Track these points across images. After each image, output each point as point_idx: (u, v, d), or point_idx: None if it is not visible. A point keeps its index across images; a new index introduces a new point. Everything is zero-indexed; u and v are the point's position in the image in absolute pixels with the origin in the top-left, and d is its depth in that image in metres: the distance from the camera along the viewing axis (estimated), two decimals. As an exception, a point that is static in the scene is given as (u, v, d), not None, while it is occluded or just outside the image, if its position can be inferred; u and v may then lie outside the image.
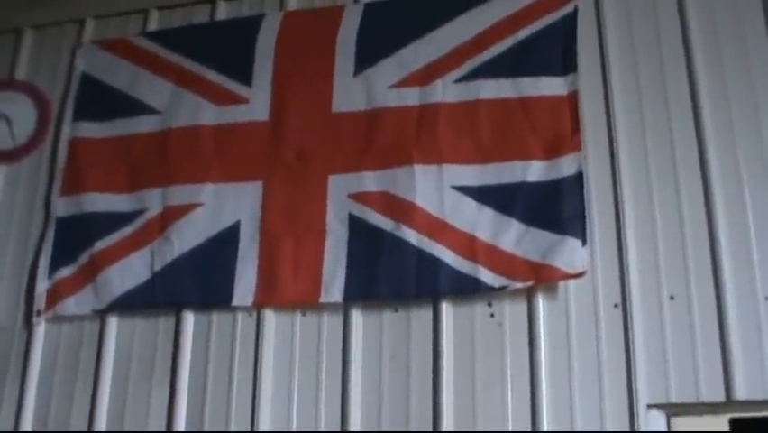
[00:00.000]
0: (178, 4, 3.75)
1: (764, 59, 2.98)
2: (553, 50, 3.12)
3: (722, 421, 2.68)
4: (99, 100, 3.65)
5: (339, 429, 2.90)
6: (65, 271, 3.38)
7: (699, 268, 2.79)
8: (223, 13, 3.69)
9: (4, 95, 3.80)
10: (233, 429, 3.01)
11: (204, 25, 3.68)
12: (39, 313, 3.35)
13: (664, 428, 2.71)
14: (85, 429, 3.17)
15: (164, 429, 3.08)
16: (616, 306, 2.81)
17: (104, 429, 3.16)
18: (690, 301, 2.76)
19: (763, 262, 2.74)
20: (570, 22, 3.14)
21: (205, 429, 3.05)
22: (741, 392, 2.61)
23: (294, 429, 2.95)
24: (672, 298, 2.78)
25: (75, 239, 3.42)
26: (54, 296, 3.36)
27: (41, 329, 3.36)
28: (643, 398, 2.68)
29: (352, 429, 2.89)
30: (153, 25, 3.76)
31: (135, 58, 3.66)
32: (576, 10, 3.16)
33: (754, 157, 2.88)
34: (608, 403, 2.70)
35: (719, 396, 2.63)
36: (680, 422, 2.72)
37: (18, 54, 3.89)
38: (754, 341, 2.66)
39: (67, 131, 3.64)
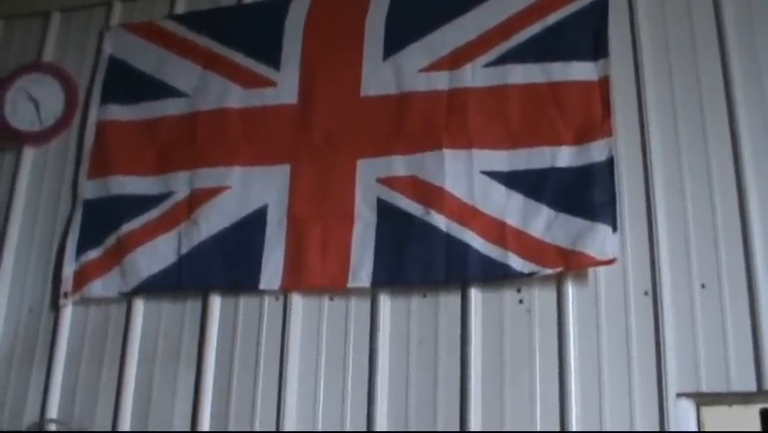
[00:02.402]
0: (206, -13, 3.78)
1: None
2: (584, 35, 3.09)
3: (753, 411, 2.66)
4: (127, 83, 3.66)
5: (365, 414, 2.91)
6: (92, 254, 3.40)
7: (731, 256, 2.75)
8: (251, -5, 3.69)
9: (32, 77, 3.81)
10: (258, 414, 3.02)
11: (231, 8, 3.68)
12: (66, 295, 3.38)
13: (694, 418, 2.68)
14: (111, 412, 3.20)
15: (190, 413, 3.10)
16: (646, 293, 2.79)
17: (129, 412, 3.18)
18: (721, 290, 2.73)
19: (795, 251, 2.73)
20: (601, 6, 3.10)
21: (231, 414, 3.05)
22: (772, 382, 2.59)
23: (320, 414, 2.97)
24: (703, 286, 2.75)
25: (102, 222, 3.44)
26: (81, 278, 3.38)
27: (67, 312, 3.39)
28: (672, 387, 2.66)
29: (378, 415, 2.89)
30: (180, 8, 3.76)
31: (163, 41, 3.66)
32: (608, -7, 3.13)
33: (788, 144, 2.87)
34: (637, 392, 2.69)
35: (750, 386, 2.61)
36: (710, 412, 2.69)
37: (45, 37, 3.91)
38: (787, 330, 2.64)
39: (94, 114, 3.65)
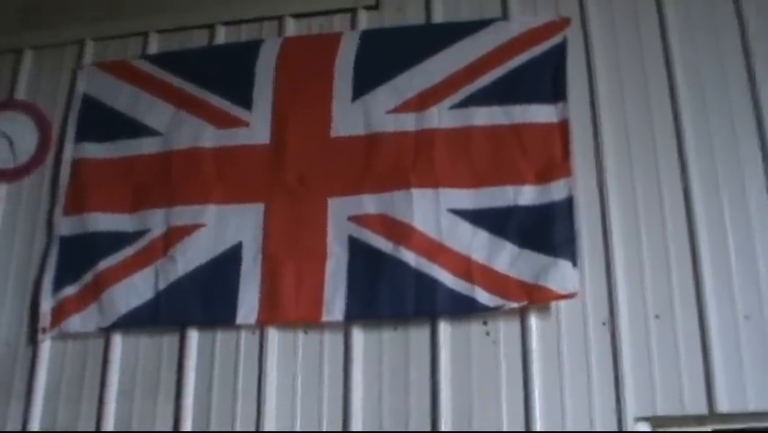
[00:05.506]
0: (178, 28, 3.78)
1: (743, 91, 3.12)
2: (544, 79, 3.20)
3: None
4: (101, 121, 3.65)
5: (341, 444, 2.97)
6: (69, 290, 3.39)
7: (683, 288, 2.89)
8: (221, 37, 3.72)
9: (5, 114, 3.80)
10: (237, 445, 3.06)
11: (203, 49, 3.70)
12: (44, 331, 3.36)
13: (651, 439, 2.81)
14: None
15: (169, 447, 3.13)
16: (604, 324, 2.91)
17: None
18: (674, 320, 2.86)
19: (742, 284, 2.86)
20: (559, 51, 3.23)
21: (210, 446, 3.09)
22: (723, 405, 2.72)
23: (297, 444, 3.02)
24: (657, 316, 2.88)
25: (78, 258, 3.43)
26: (59, 314, 3.36)
27: (46, 346, 3.36)
28: (630, 411, 2.77)
29: (353, 443, 2.96)
30: (153, 48, 3.78)
31: (136, 80, 3.67)
32: (565, 40, 3.25)
33: (733, 181, 3.00)
34: (597, 415, 2.80)
35: (702, 409, 2.74)
36: (666, 434, 2.81)
37: (18, 75, 3.89)
38: (735, 357, 2.77)
39: (69, 151, 3.64)
